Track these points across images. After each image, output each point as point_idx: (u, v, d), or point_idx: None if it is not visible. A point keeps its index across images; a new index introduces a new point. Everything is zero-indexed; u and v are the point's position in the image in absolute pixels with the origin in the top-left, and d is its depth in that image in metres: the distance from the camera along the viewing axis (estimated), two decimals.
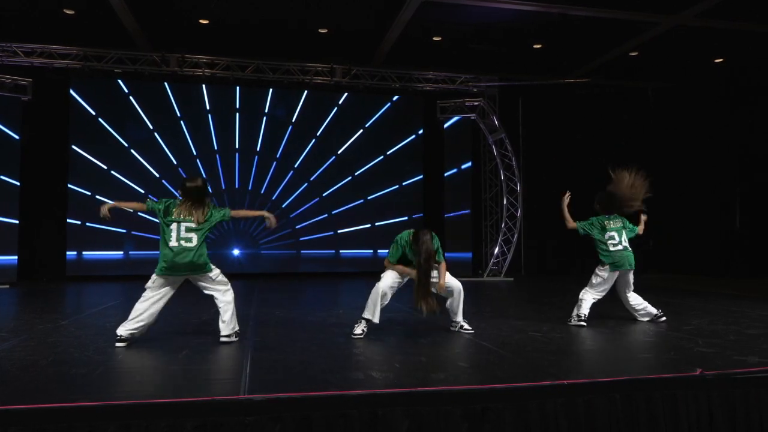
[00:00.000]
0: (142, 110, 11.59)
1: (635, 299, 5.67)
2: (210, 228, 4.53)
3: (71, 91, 11.18)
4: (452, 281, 4.92)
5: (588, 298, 5.55)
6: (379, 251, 12.29)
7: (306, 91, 12.20)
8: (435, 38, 10.70)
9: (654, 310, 5.61)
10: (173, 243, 4.40)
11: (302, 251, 12.28)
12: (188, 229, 4.43)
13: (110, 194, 11.18)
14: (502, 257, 11.75)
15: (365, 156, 12.52)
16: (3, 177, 9.92)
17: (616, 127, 13.33)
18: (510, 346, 4.32)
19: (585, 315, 5.41)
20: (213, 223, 4.54)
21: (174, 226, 4.44)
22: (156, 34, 10.35)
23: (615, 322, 5.59)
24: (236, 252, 11.80)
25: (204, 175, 11.80)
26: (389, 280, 4.93)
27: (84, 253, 11.14)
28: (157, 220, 4.55)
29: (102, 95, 11.41)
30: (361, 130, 12.55)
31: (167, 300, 4.58)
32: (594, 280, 5.65)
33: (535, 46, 11.09)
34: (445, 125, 12.26)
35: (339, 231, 12.41)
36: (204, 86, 11.76)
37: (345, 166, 12.44)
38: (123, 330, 4.42)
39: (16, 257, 10.08)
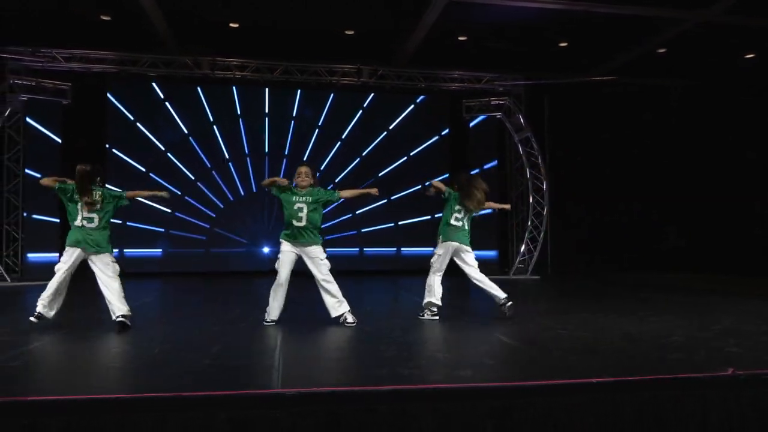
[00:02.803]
0: (175, 112, 11.81)
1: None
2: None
3: (108, 95, 11.45)
4: None
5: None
6: (402, 249, 12.33)
7: (333, 92, 12.27)
8: (460, 38, 10.65)
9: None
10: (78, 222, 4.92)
11: (328, 249, 12.34)
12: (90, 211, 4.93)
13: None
14: (528, 255, 11.63)
15: (391, 155, 12.52)
16: (40, 176, 10.23)
17: (642, 125, 13.12)
18: (536, 344, 4.28)
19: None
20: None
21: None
22: (188, 38, 10.53)
23: (639, 320, 5.49)
24: (266, 250, 11.93)
25: (235, 174, 12.01)
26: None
27: (125, 250, 11.41)
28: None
29: (137, 98, 11.66)
30: (386, 131, 12.56)
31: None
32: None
33: (560, 44, 10.95)
34: (471, 124, 12.18)
35: (363, 230, 12.45)
36: (234, 88, 11.92)
37: (370, 166, 12.47)
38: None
39: (57, 254, 10.36)
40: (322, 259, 5.22)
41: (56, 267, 5.00)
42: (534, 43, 10.83)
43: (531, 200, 11.67)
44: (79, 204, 4.95)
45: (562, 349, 4.09)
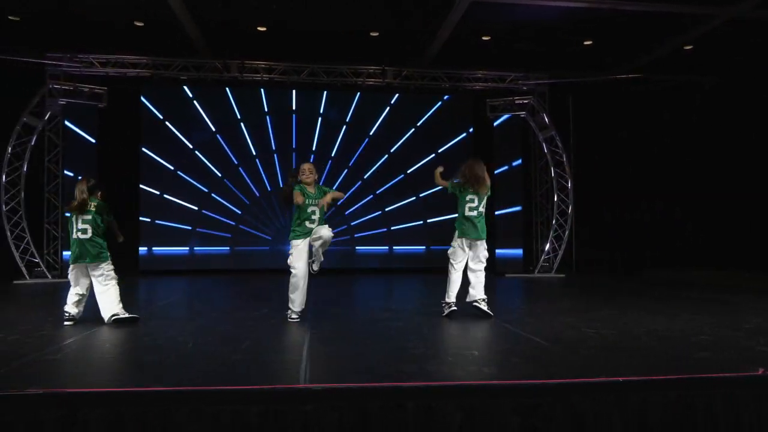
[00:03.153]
0: (205, 114, 11.98)
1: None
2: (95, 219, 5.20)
3: (142, 98, 11.68)
4: None
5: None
6: (432, 247, 12.31)
7: (358, 93, 12.30)
8: (484, 38, 10.56)
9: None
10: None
11: (357, 248, 12.40)
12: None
13: (177, 193, 11.71)
14: (552, 253, 11.50)
15: (415, 155, 12.50)
16: (78, 177, 10.49)
17: (669, 123, 12.85)
18: (562, 342, 4.23)
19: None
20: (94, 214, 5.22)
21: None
22: (217, 42, 10.67)
23: (667, 318, 5.38)
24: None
25: (262, 172, 12.11)
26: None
27: (154, 249, 11.63)
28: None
29: (169, 101, 11.87)
30: (410, 131, 12.54)
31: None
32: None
33: (585, 43, 10.79)
34: (495, 123, 12.09)
35: (392, 227, 12.47)
36: (262, 90, 12.05)
37: (397, 164, 12.46)
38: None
39: None
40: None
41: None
42: (558, 42, 10.68)
43: (556, 198, 11.53)
44: (74, 216, 5.24)
45: (588, 347, 4.03)
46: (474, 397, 2.96)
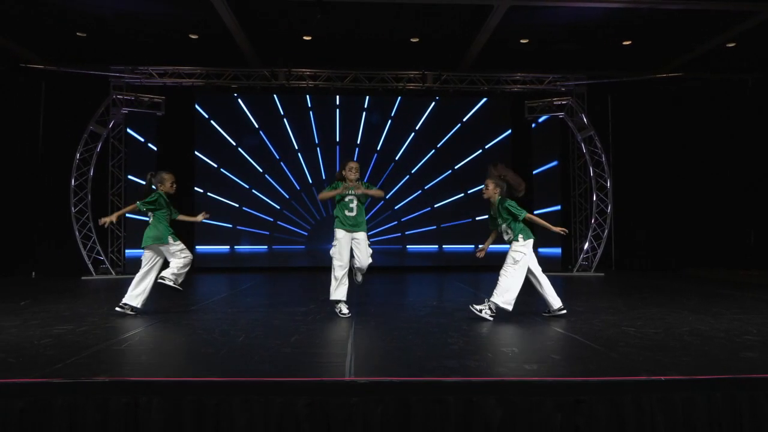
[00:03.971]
0: (255, 120, 12.22)
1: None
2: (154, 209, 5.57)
3: (196, 106, 12.01)
4: None
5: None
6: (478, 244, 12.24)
7: (399, 97, 12.31)
8: (522, 40, 10.39)
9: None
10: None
11: (409, 247, 12.39)
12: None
13: (227, 195, 11.98)
14: (591, 252, 11.21)
15: (454, 157, 12.42)
16: (139, 180, 10.88)
17: (710, 122, 12.28)
18: (602, 340, 4.11)
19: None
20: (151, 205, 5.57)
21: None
22: (266, 52, 10.87)
23: (713, 318, 5.15)
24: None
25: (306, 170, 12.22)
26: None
27: (197, 247, 11.89)
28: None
29: (221, 108, 12.16)
30: (449, 134, 12.45)
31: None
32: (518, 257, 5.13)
33: (624, 43, 10.47)
34: (533, 125, 11.87)
35: (442, 225, 12.41)
36: (308, 96, 12.20)
37: (437, 165, 12.40)
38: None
39: None
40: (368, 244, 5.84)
41: None
42: (597, 42, 10.41)
43: (594, 198, 11.23)
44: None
45: (629, 346, 3.90)
46: (515, 393, 2.91)
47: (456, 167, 12.39)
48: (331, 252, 5.51)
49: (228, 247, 12.15)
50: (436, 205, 12.37)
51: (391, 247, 12.26)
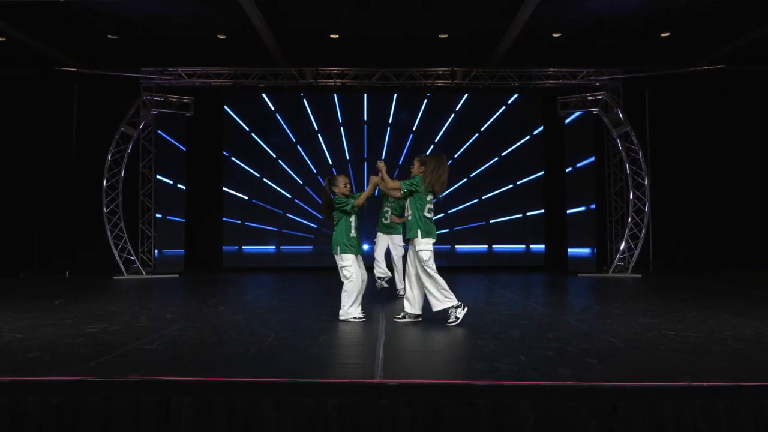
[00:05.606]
0: (282, 119, 12.35)
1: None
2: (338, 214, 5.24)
3: (225, 106, 12.20)
4: None
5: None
6: (494, 246, 12.14)
7: (428, 94, 12.26)
8: (554, 34, 10.23)
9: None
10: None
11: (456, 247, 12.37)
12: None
13: (257, 195, 12.15)
14: (628, 253, 10.96)
15: (484, 154, 12.31)
16: (168, 181, 11.12)
17: (754, 116, 11.84)
18: (641, 344, 4.02)
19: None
20: (338, 210, 5.24)
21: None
22: (293, 51, 10.97)
23: (759, 322, 4.98)
24: (365, 247, 12.12)
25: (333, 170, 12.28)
26: None
27: (243, 247, 12.08)
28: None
29: (249, 107, 12.32)
30: (480, 131, 12.35)
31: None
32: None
33: (662, 35, 10.20)
34: (566, 121, 11.67)
35: (454, 228, 12.32)
36: (335, 95, 12.27)
37: (466, 163, 12.29)
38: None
39: (183, 250, 11.25)
40: (400, 245, 6.94)
41: None
42: (633, 35, 10.16)
43: (631, 196, 10.98)
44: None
45: (669, 350, 3.81)
46: (548, 397, 2.87)
47: (479, 169, 12.27)
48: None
49: (273, 247, 12.24)
50: (450, 211, 12.21)
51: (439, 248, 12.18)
